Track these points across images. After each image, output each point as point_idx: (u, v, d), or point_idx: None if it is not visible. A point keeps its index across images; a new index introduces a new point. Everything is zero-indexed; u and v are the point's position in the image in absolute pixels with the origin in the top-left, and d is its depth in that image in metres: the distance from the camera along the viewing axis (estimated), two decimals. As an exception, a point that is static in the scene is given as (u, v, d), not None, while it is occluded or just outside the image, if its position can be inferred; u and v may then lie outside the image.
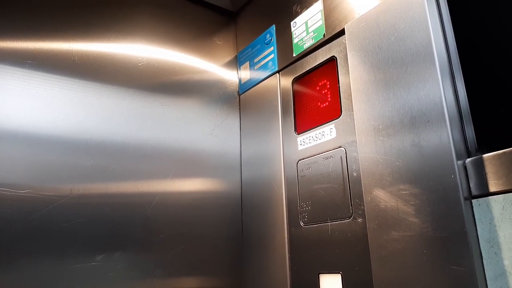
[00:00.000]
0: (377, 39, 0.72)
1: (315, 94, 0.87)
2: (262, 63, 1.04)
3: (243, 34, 1.14)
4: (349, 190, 0.75)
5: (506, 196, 0.54)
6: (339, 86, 0.81)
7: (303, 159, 0.87)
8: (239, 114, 1.10)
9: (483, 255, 0.56)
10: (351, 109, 0.77)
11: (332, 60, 0.84)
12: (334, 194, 0.78)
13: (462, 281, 0.54)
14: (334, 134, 0.81)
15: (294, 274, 0.84)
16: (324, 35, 0.85)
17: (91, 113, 0.86)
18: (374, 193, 0.67)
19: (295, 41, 0.93)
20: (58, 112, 0.82)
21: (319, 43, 0.86)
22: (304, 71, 0.91)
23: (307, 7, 0.91)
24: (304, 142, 0.88)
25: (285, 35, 0.97)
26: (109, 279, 0.81)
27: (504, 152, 0.55)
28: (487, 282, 0.55)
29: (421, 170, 0.61)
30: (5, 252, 0.71)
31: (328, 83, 0.85)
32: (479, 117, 0.66)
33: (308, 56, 0.90)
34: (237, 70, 1.14)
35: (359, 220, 0.72)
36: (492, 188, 0.56)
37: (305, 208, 0.84)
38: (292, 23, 0.95)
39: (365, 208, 0.69)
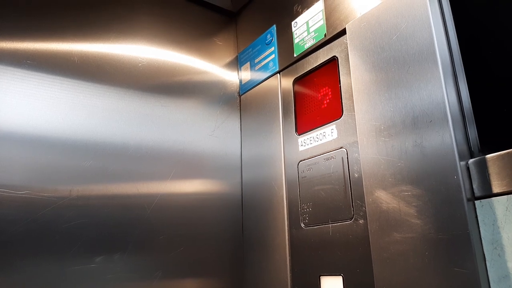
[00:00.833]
0: (378, 39, 0.71)
1: (316, 94, 0.87)
2: (263, 63, 1.03)
3: (244, 35, 1.14)
4: (351, 191, 0.75)
5: (509, 197, 0.53)
6: (340, 86, 0.81)
7: (304, 160, 0.86)
8: (239, 115, 1.10)
9: (486, 257, 0.55)
10: (352, 110, 0.76)
11: (333, 60, 0.83)
12: (335, 195, 0.78)
13: (465, 284, 0.53)
14: (335, 135, 0.80)
15: (295, 276, 0.84)
16: (325, 35, 0.85)
17: (91, 114, 0.85)
18: (376, 194, 0.67)
19: (296, 41, 0.93)
20: (58, 113, 0.81)
21: (320, 43, 0.86)
22: (305, 72, 0.90)
23: (308, 7, 0.90)
24: (305, 143, 0.87)
25: (286, 35, 0.97)
26: (109, 281, 0.80)
27: (507, 153, 0.55)
28: (490, 284, 0.54)
29: (424, 171, 0.60)
30: (4, 254, 0.71)
31: (329, 83, 0.84)
32: (481, 117, 0.65)
33: (309, 56, 0.90)
34: (238, 71, 1.14)
35: (361, 221, 0.72)
36: (495, 189, 0.55)
37: (306, 209, 0.83)
38: (293, 23, 0.95)
39: (366, 209, 0.68)
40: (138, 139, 0.90)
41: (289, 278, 0.84)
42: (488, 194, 0.56)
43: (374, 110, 0.69)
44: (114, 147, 0.87)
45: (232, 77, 1.12)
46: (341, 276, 0.74)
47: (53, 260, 0.75)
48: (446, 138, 0.58)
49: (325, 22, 0.85)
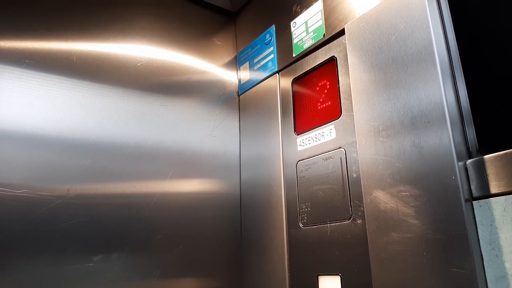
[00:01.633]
0: (377, 39, 0.71)
1: (314, 94, 0.87)
2: (262, 63, 1.03)
3: (243, 34, 1.14)
4: (349, 191, 0.75)
5: (507, 198, 0.54)
6: (339, 86, 0.81)
7: (303, 160, 0.86)
8: (238, 115, 1.10)
9: (484, 257, 0.55)
10: (351, 110, 0.76)
11: (332, 60, 0.83)
12: (333, 195, 0.78)
13: (463, 284, 0.53)
14: (333, 135, 0.80)
15: (293, 276, 0.84)
16: (324, 35, 0.85)
17: (90, 113, 0.85)
18: (374, 194, 0.67)
19: (295, 41, 0.93)
20: (56, 112, 0.81)
21: (319, 43, 0.86)
22: (303, 72, 0.90)
23: (307, 7, 0.90)
24: (303, 142, 0.87)
25: (285, 35, 0.97)
26: (107, 280, 0.80)
27: (505, 153, 0.55)
28: (488, 285, 0.54)
29: (422, 171, 0.60)
30: (2, 253, 0.71)
31: (328, 83, 0.84)
32: (480, 117, 0.65)
33: (308, 56, 0.90)
34: (237, 71, 1.13)
35: (359, 221, 0.72)
36: (493, 190, 0.55)
37: (304, 209, 0.83)
38: (292, 23, 0.95)
39: (364, 209, 0.68)
40: (136, 138, 0.90)
41: (287, 277, 0.84)
42: (486, 194, 0.56)
43: (373, 110, 0.69)
44: (113, 147, 0.87)
45: (231, 77, 1.12)
46: (339, 276, 0.74)
47: (51, 259, 0.75)
48: (444, 139, 0.58)
49: (324, 22, 0.85)
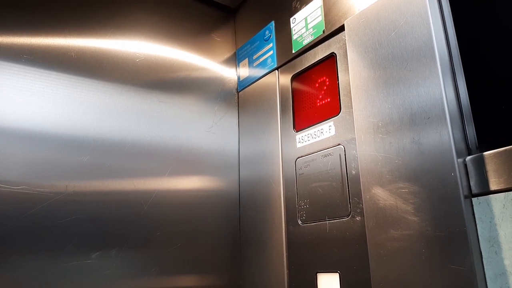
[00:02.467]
0: (377, 35, 0.71)
1: (314, 91, 0.87)
2: (261, 59, 1.03)
3: (242, 31, 1.13)
4: (348, 188, 0.74)
5: (507, 195, 0.53)
6: (338, 83, 0.80)
7: (302, 156, 0.86)
8: (237, 112, 1.10)
9: (483, 254, 0.55)
10: (350, 106, 0.76)
11: (332, 57, 0.83)
12: (332, 192, 0.77)
13: (462, 281, 0.53)
14: (333, 132, 0.80)
15: (292, 273, 0.83)
16: (323, 31, 0.84)
17: (88, 109, 0.85)
18: (373, 191, 0.66)
19: (294, 37, 0.92)
20: (54, 108, 0.81)
21: (318, 39, 0.85)
22: (303, 68, 0.90)
23: (306, 3, 0.90)
24: (302, 139, 0.87)
25: (284, 32, 0.96)
26: (105, 277, 0.80)
27: (505, 150, 0.54)
28: (487, 281, 0.54)
29: (421, 168, 0.60)
30: (0, 249, 0.71)
31: (327, 80, 0.84)
32: (480, 114, 0.65)
33: (308, 53, 0.89)
34: (236, 67, 1.13)
35: (358, 218, 0.72)
36: (492, 187, 0.55)
37: (303, 206, 0.83)
38: (291, 19, 0.94)
39: (363, 206, 0.68)
40: (135, 135, 0.90)
41: (286, 275, 0.84)
42: (486, 191, 0.56)
43: (372, 107, 0.69)
44: (111, 143, 0.86)
45: (230, 74, 1.12)
46: (338, 273, 0.74)
47: (49, 256, 0.75)
48: (444, 135, 0.58)
49: (323, 18, 0.85)
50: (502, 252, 0.53)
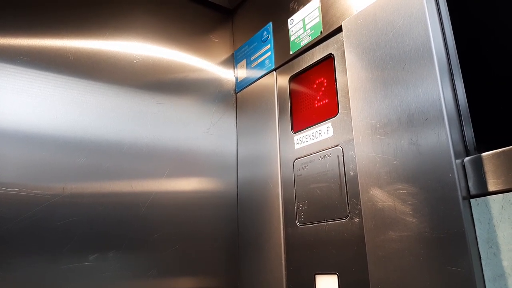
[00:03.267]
0: (374, 36, 0.71)
1: (312, 92, 0.86)
2: (259, 61, 1.03)
3: (240, 32, 1.13)
4: (346, 189, 0.74)
5: (505, 196, 0.53)
6: (336, 84, 0.80)
7: (300, 158, 0.86)
8: (235, 113, 1.09)
9: (481, 255, 0.55)
10: (348, 107, 0.76)
11: (330, 58, 0.83)
12: (330, 193, 0.77)
13: (460, 282, 0.53)
14: (331, 133, 0.80)
15: (290, 275, 0.83)
16: (321, 32, 0.84)
17: (85, 111, 0.85)
18: (371, 192, 0.66)
19: (292, 38, 0.92)
20: (51, 110, 0.81)
21: (316, 40, 0.85)
22: (301, 69, 0.90)
23: (304, 4, 0.90)
24: (300, 140, 0.86)
25: (282, 33, 0.96)
26: (103, 279, 0.80)
27: (503, 151, 0.54)
28: (486, 283, 0.54)
29: (419, 169, 0.60)
30: (-4, 251, 0.70)
31: (325, 81, 0.83)
32: (478, 115, 0.65)
33: (305, 54, 0.89)
34: (234, 68, 1.13)
35: (356, 220, 0.71)
36: (491, 188, 0.55)
37: (302, 207, 0.83)
38: (289, 20, 0.94)
39: (362, 207, 0.68)
40: (132, 136, 0.90)
41: (284, 276, 0.84)
42: (484, 192, 0.55)
43: (370, 108, 0.69)
44: (108, 145, 0.86)
45: (228, 75, 1.12)
46: (336, 275, 0.74)
47: (46, 258, 0.75)
48: (442, 136, 0.58)
49: (321, 19, 0.85)
50: (500, 253, 0.53)
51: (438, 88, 0.60)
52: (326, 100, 0.82)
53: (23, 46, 0.81)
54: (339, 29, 0.80)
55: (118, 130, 0.88)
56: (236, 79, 1.11)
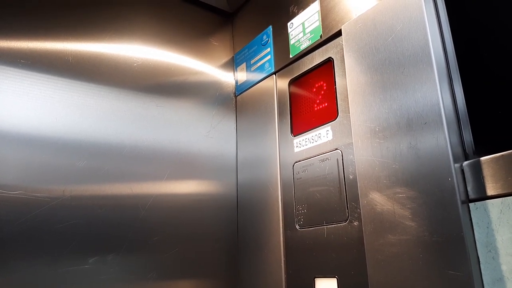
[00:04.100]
0: (374, 40, 0.71)
1: (311, 95, 0.87)
2: (259, 64, 1.03)
3: (240, 35, 1.13)
4: (345, 193, 0.74)
5: (504, 200, 0.53)
6: (335, 87, 0.81)
7: (299, 161, 0.86)
8: (235, 116, 1.10)
9: (480, 259, 0.55)
10: (347, 111, 0.76)
11: (329, 62, 0.83)
12: (330, 197, 0.77)
13: (459, 286, 0.53)
14: (330, 136, 0.80)
15: (290, 278, 0.83)
16: (321, 36, 0.84)
17: (85, 114, 0.85)
18: (371, 196, 0.66)
19: (291, 42, 0.93)
20: (51, 112, 0.81)
21: (316, 44, 0.86)
22: (300, 73, 0.90)
23: (304, 8, 0.90)
24: (300, 144, 0.87)
25: (282, 36, 0.96)
26: (103, 282, 0.80)
27: (502, 155, 0.54)
28: (485, 287, 0.54)
29: (418, 173, 0.60)
30: (-4, 254, 0.71)
31: (324, 84, 0.84)
32: (476, 119, 0.65)
33: (305, 58, 0.89)
34: (234, 71, 1.13)
35: (355, 223, 0.71)
36: (489, 192, 0.55)
37: (301, 211, 0.83)
38: (289, 24, 0.94)
39: (361, 211, 0.68)
40: (132, 139, 0.90)
41: (283, 279, 0.84)
42: (483, 196, 0.56)
43: (369, 111, 0.69)
44: (108, 147, 0.86)
45: (228, 78, 1.12)
46: (335, 278, 0.74)
47: (46, 261, 0.75)
48: (441, 140, 0.58)
49: (321, 23, 0.85)
50: (499, 257, 0.53)
51: (437, 92, 0.60)
52: (326, 104, 0.83)
53: (24, 49, 0.81)
54: (338, 33, 0.80)
55: (118, 133, 0.88)
56: (236, 82, 1.12)
